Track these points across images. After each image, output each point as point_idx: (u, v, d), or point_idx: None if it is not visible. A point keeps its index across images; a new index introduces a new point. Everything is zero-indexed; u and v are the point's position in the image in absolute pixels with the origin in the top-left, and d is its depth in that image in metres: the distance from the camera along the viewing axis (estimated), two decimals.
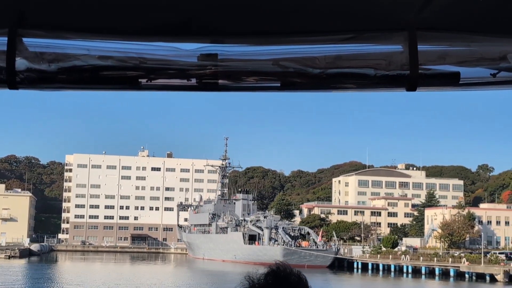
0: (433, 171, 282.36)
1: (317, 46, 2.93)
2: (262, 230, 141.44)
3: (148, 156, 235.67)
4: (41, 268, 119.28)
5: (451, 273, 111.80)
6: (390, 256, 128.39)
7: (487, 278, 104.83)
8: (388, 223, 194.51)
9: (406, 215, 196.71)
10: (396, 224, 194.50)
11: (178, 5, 2.86)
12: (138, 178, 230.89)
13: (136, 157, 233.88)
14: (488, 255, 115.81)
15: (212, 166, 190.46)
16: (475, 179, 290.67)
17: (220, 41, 2.93)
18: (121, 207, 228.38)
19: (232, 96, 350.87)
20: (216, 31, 2.95)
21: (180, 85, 2.93)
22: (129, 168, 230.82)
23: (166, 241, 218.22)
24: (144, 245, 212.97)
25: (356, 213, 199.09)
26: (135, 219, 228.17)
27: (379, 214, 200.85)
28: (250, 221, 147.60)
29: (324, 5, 2.88)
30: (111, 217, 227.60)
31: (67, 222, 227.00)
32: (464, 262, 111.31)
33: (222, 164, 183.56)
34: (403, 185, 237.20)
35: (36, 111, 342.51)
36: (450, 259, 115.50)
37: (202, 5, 2.86)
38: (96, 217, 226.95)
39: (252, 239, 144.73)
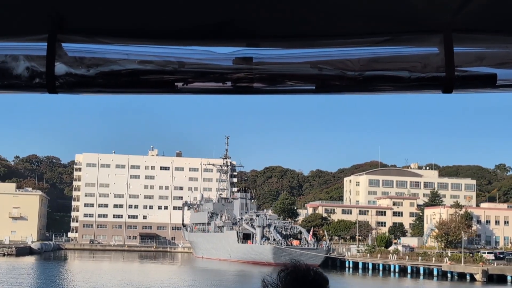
0: (449, 171, 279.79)
1: (353, 48, 2.92)
2: (255, 229, 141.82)
3: (157, 155, 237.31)
4: (32, 266, 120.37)
5: (435, 272, 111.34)
6: (379, 255, 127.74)
7: (468, 277, 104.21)
8: (393, 223, 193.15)
9: (412, 214, 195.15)
10: (402, 223, 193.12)
11: (214, 9, 2.86)
12: (147, 177, 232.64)
13: (145, 157, 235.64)
14: (474, 255, 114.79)
15: (213, 165, 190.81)
16: (492, 178, 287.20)
17: (256, 45, 2.92)
18: (130, 206, 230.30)
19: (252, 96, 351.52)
20: (252, 35, 2.94)
21: (216, 88, 2.93)
22: (138, 167, 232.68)
23: (174, 240, 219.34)
24: (152, 244, 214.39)
25: (360, 212, 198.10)
26: (143, 218, 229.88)
27: (384, 213, 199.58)
28: (244, 220, 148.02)
29: (360, 7, 2.86)
30: (120, 216, 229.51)
31: (77, 221, 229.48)
32: (446, 262, 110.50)
33: (223, 163, 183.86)
34: (414, 184, 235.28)
35: (58, 112, 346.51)
36: (433, 258, 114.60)
37: (238, 9, 2.86)
38: (105, 216, 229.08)
39: (247, 238, 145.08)
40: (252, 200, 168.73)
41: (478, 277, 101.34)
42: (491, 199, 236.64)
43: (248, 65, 2.91)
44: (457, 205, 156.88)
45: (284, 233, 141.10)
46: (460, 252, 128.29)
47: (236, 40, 2.95)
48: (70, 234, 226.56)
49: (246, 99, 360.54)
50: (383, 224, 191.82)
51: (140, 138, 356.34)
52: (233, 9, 2.89)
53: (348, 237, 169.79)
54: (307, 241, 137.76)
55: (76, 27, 2.90)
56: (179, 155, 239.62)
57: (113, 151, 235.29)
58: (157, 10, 2.89)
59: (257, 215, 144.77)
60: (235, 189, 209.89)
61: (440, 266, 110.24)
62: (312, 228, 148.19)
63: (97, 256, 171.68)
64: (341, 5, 2.88)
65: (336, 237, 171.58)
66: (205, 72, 2.93)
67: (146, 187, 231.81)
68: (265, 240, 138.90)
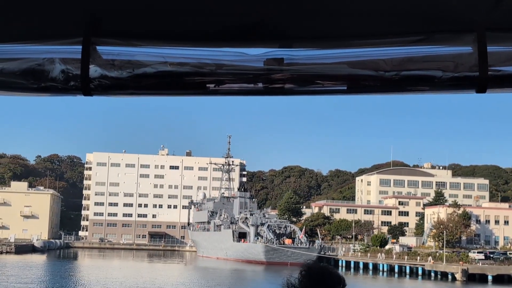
0: (465, 171, 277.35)
1: (385, 48, 2.90)
2: (249, 228, 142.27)
3: (167, 154, 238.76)
4: (23, 263, 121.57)
5: (420, 272, 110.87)
6: (369, 254, 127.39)
7: (449, 276, 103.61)
8: (399, 222, 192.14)
9: (418, 214, 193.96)
10: (407, 223, 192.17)
11: (247, 10, 2.89)
12: (156, 176, 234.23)
13: (154, 156, 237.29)
14: (460, 254, 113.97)
15: (215, 164, 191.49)
16: (509, 178, 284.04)
17: (288, 46, 2.93)
18: (140, 205, 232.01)
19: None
20: (284, 36, 2.97)
21: (246, 89, 2.96)
22: (147, 166, 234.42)
23: (184, 239, 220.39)
24: (161, 243, 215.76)
25: (366, 212, 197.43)
26: (153, 217, 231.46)
27: (390, 213, 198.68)
28: (240, 219, 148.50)
29: (393, 7, 2.85)
30: (130, 215, 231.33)
31: (87, 220, 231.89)
32: (429, 261, 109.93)
33: (225, 162, 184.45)
34: (426, 184, 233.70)
35: (79, 112, 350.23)
36: (418, 258, 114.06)
37: (271, 10, 2.87)
38: (115, 214, 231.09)
39: (243, 236, 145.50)
40: (253, 199, 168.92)
41: (458, 276, 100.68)
42: (505, 199, 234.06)
43: (279, 66, 2.90)
44: (455, 205, 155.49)
45: (278, 232, 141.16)
46: (458, 252, 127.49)
47: (268, 41, 2.95)
48: (80, 233, 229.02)
49: (265, 98, 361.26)
50: (388, 223, 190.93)
51: (152, 138, 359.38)
52: (266, 11, 2.88)
53: (349, 237, 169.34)
54: (300, 240, 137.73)
55: (110, 30, 2.94)
56: (188, 154, 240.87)
57: (124, 151, 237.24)
58: (189, 12, 2.91)
59: (251, 214, 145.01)
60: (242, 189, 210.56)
61: (424, 265, 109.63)
62: (304, 228, 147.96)
63: (104, 254, 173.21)
64: (374, 5, 2.85)
65: (339, 237, 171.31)
66: (236, 74, 2.92)
67: (155, 186, 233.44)
68: (258, 239, 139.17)
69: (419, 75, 2.91)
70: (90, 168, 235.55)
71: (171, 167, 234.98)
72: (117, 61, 2.94)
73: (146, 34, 2.98)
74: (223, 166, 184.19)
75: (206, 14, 2.94)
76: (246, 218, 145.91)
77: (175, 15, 2.95)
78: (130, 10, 2.93)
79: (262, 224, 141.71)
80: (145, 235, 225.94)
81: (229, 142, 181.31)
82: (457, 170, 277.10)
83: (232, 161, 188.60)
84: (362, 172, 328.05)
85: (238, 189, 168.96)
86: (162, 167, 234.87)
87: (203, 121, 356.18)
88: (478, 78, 2.88)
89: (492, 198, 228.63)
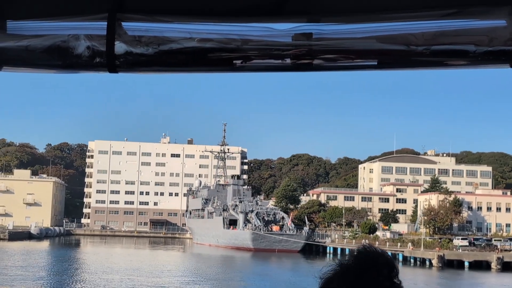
0: (472, 158, 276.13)
1: (417, 22, 2.83)
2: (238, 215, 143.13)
3: (169, 143, 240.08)
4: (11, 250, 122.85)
5: (400, 258, 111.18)
6: (354, 241, 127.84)
7: (427, 262, 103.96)
8: (397, 209, 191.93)
9: (415, 201, 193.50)
10: (405, 210, 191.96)
11: None
12: (158, 164, 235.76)
13: (156, 144, 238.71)
14: (441, 241, 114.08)
15: (211, 152, 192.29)
16: None
17: (316, 20, 2.88)
18: (141, 193, 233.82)
19: (277, 81, 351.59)
20: (312, 10, 2.91)
21: (274, 65, 2.93)
22: (149, 154, 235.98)
23: (185, 226, 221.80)
24: (162, 230, 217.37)
25: (363, 199, 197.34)
26: (154, 204, 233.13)
27: (388, 200, 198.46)
28: (231, 206, 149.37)
29: None
30: (132, 203, 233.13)
31: (89, 207, 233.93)
32: (409, 247, 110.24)
33: (220, 150, 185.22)
34: (428, 171, 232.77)
35: (88, 101, 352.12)
36: (398, 244, 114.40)
37: None
38: (117, 202, 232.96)
39: (234, 223, 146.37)
40: (247, 187, 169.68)
41: (434, 262, 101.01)
42: (510, 186, 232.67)
43: (307, 41, 2.84)
44: (447, 191, 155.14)
45: (267, 219, 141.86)
46: (449, 239, 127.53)
47: (296, 16, 2.88)
48: (83, 220, 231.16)
49: (278, 84, 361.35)
50: (385, 211, 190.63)
51: (155, 126, 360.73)
52: None
53: (344, 224, 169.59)
54: (289, 227, 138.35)
55: (135, 6, 2.91)
56: (190, 142, 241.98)
57: (125, 139, 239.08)
58: None
59: (241, 201, 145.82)
60: (245, 176, 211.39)
61: (403, 251, 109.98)
62: (291, 213, 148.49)
63: (104, 241, 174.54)
64: None
65: (334, 224, 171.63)
66: (263, 49, 2.87)
67: (157, 174, 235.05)
68: (246, 226, 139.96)
69: (451, 50, 2.82)
70: (92, 156, 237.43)
71: (172, 155, 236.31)
72: (143, 37, 2.88)
73: (172, 9, 2.91)
74: (219, 154, 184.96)
75: None
76: (236, 205, 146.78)
77: None
78: None
79: (252, 211, 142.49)
80: (146, 223, 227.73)
81: (224, 130, 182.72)
82: (464, 158, 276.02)
83: (228, 149, 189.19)
84: (371, 160, 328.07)
85: (232, 177, 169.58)
86: (164, 155, 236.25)
87: (209, 109, 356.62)
88: None
89: (497, 185, 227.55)
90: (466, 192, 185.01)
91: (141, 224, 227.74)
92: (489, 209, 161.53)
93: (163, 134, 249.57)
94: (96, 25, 2.90)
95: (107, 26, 2.86)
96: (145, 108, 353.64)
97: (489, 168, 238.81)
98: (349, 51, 2.88)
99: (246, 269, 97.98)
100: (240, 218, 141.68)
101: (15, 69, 3.06)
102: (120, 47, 2.88)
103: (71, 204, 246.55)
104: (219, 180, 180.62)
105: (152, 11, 2.89)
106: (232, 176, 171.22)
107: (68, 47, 2.91)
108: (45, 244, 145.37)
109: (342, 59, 2.90)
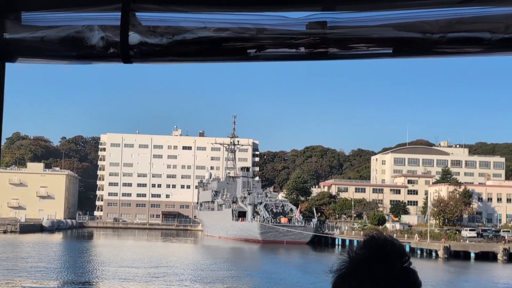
0: (486, 149, 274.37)
1: (432, 10, 2.79)
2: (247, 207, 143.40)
3: (180, 135, 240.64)
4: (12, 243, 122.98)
5: (407, 249, 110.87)
6: (362, 233, 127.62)
7: (433, 254, 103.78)
8: (408, 201, 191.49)
9: (426, 192, 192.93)
10: (417, 201, 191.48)
11: None
12: (169, 156, 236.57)
13: (167, 136, 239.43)
14: (449, 232, 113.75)
15: (221, 144, 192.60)
16: None
17: (331, 8, 2.85)
18: (153, 185, 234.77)
19: (292, 73, 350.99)
20: None
21: (289, 54, 2.90)
22: (160, 147, 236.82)
23: (196, 218, 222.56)
24: (174, 222, 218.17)
25: (375, 191, 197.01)
26: (166, 197, 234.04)
27: (399, 192, 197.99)
28: (240, 198, 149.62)
29: None
30: (144, 195, 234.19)
31: (102, 200, 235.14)
32: (416, 239, 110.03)
33: (230, 142, 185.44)
34: (441, 163, 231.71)
35: (103, 92, 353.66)
36: (405, 235, 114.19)
37: None
38: (129, 195, 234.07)
39: (243, 215, 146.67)
40: (257, 179, 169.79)
41: (440, 253, 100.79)
42: None
43: (322, 30, 2.82)
44: (456, 182, 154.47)
45: (275, 211, 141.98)
46: (457, 230, 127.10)
47: (310, 4, 2.85)
48: (96, 213, 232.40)
49: (291, 76, 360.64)
50: (397, 202, 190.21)
51: (167, 119, 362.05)
52: None
53: (354, 215, 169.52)
54: (297, 219, 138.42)
55: None
56: (201, 134, 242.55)
57: (137, 131, 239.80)
58: None
59: (249, 193, 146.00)
60: (256, 168, 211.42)
61: (410, 242, 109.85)
62: (300, 205, 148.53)
63: (116, 234, 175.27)
64: None
65: (344, 215, 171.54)
66: (278, 38, 2.86)
67: (169, 166, 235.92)
68: (255, 217, 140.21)
69: (467, 37, 2.75)
70: (104, 149, 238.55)
71: (184, 148, 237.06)
72: (157, 27, 2.87)
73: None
74: (229, 146, 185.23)
75: None
76: (245, 197, 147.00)
77: None
78: None
79: (260, 203, 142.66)
80: (158, 215, 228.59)
81: (234, 122, 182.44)
82: (478, 149, 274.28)
83: (238, 141, 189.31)
84: (385, 151, 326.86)
85: (241, 169, 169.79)
86: (175, 147, 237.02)
87: (222, 101, 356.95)
88: None
89: (510, 176, 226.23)
90: (480, 183, 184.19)
91: (153, 217, 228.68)
92: (499, 200, 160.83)
93: (175, 126, 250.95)
94: (110, 16, 2.87)
95: (121, 17, 2.84)
96: (157, 101, 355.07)
97: (502, 159, 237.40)
98: (364, 39, 2.83)
99: (254, 261, 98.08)
100: (249, 210, 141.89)
101: (30, 60, 3.06)
102: (134, 37, 2.85)
103: (85, 196, 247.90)
104: (229, 172, 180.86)
105: (166, 1, 2.86)
106: (242, 168, 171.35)
107: (83, 37, 2.90)
108: (56, 237, 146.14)
109: (357, 47, 2.85)
